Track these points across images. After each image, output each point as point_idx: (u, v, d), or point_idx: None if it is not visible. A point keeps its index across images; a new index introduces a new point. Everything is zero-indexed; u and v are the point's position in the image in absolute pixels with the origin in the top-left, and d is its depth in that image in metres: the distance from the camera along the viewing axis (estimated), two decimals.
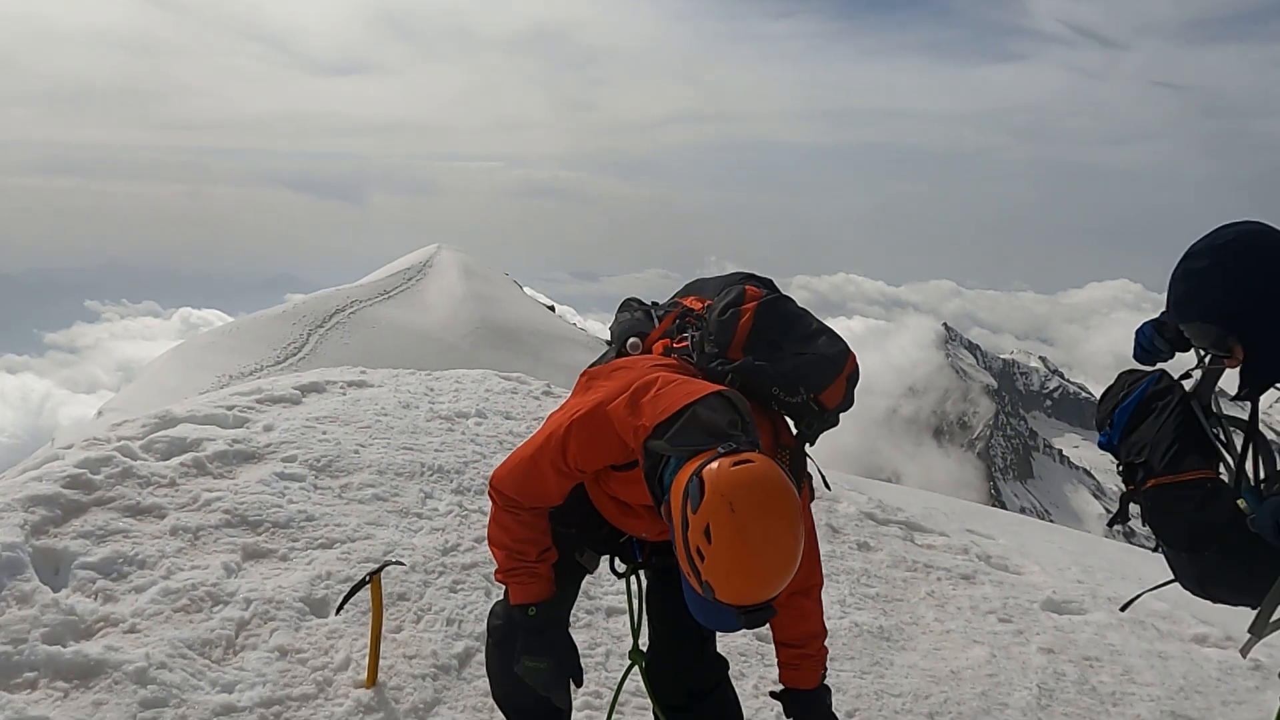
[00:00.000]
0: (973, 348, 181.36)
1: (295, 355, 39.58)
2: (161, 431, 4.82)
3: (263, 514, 4.23)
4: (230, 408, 5.42)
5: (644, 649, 2.74)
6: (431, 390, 6.82)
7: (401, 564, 4.03)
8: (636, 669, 2.68)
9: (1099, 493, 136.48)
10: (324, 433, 5.33)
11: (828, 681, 2.57)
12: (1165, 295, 2.35)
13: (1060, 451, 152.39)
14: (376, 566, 3.46)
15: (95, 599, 3.44)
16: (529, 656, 2.43)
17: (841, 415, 2.51)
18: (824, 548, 5.59)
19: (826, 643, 2.55)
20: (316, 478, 4.78)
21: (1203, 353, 2.43)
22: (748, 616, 1.91)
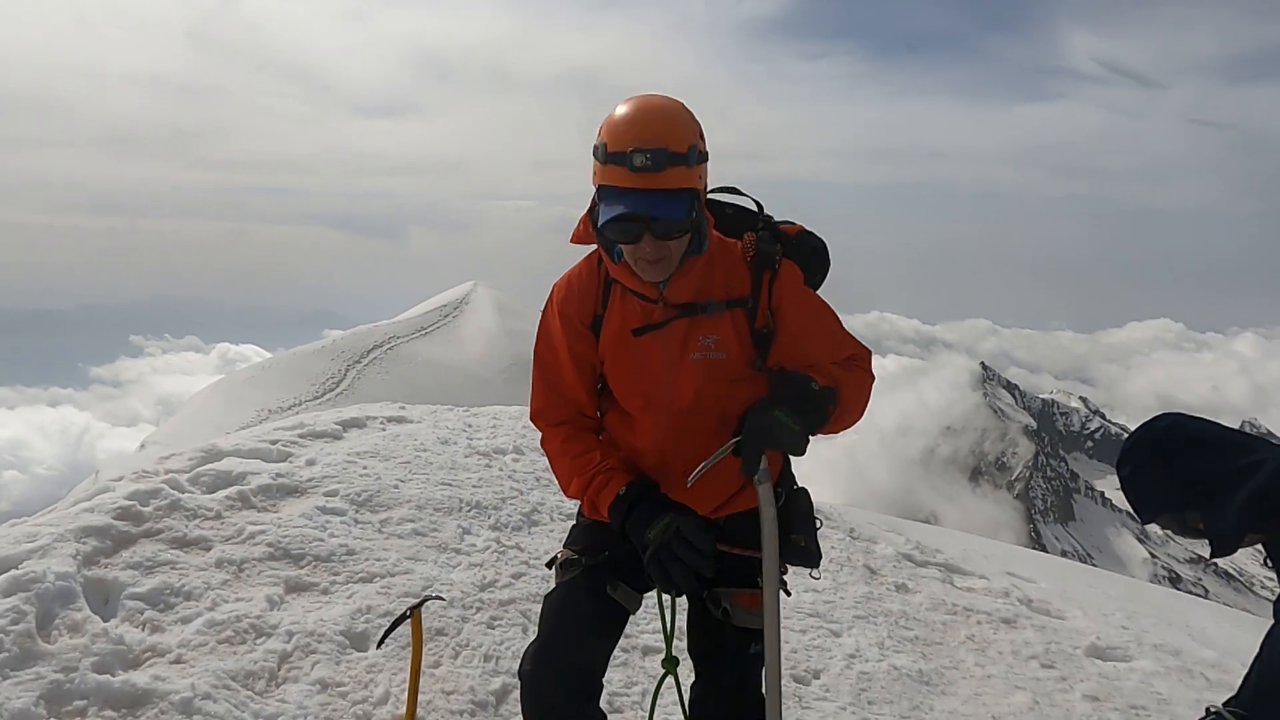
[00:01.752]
0: (1011, 387, 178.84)
1: (333, 390, 40.11)
2: (208, 465, 4.93)
3: (305, 547, 4.30)
4: (274, 442, 5.53)
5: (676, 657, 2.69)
6: (469, 426, 6.90)
7: (441, 599, 4.06)
8: (670, 677, 2.65)
9: (1143, 537, 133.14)
10: (365, 468, 5.41)
11: None
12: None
13: (1102, 494, 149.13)
14: (416, 601, 3.49)
15: (143, 629, 3.51)
16: (649, 526, 2.29)
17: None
18: (861, 589, 5.54)
19: (865, 681, 2.50)
20: (357, 512, 4.85)
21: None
22: (632, 163, 2.11)
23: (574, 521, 2.71)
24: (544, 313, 2.60)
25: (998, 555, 7.91)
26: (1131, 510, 2.56)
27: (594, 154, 2.22)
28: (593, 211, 2.35)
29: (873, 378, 2.47)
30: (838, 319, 2.47)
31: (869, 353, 2.49)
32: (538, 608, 4.24)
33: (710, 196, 2.45)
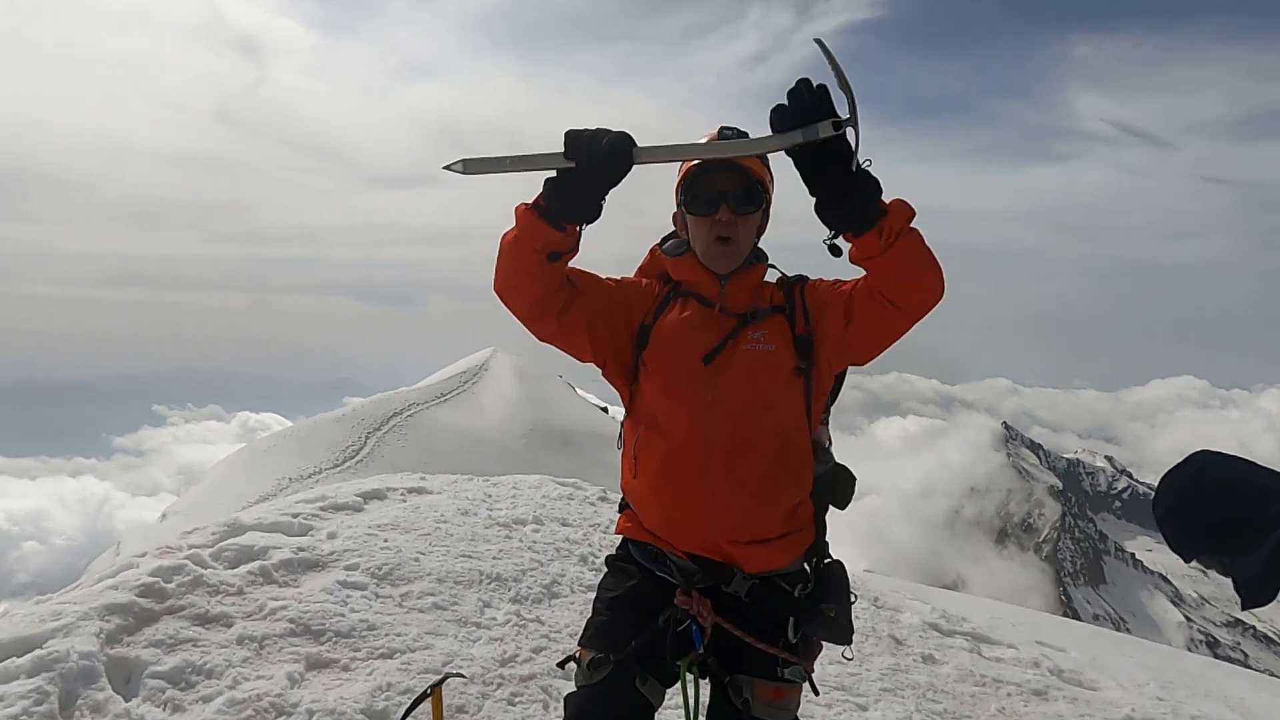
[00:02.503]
0: (1035, 447, 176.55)
1: (353, 458, 40.17)
2: (230, 539, 4.96)
3: (326, 623, 4.29)
4: (296, 515, 5.56)
5: None
6: (489, 497, 6.91)
7: (462, 676, 4.03)
8: None
9: (1177, 599, 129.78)
10: (385, 540, 5.42)
11: None
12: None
13: (1133, 555, 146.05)
14: (437, 679, 3.47)
15: (164, 709, 3.50)
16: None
17: None
18: (887, 660, 5.45)
19: None
20: (378, 586, 4.84)
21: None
22: (719, 137, 2.35)
23: (592, 609, 2.64)
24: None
25: (1026, 623, 7.76)
26: (1169, 547, 2.51)
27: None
28: (664, 243, 2.66)
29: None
30: None
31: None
32: (559, 683, 4.22)
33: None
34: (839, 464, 2.71)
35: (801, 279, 2.57)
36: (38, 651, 3.49)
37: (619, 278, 2.67)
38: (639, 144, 2.16)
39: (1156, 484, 2.51)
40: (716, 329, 2.47)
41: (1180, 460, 2.44)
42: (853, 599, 2.54)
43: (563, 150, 2.16)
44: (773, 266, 2.66)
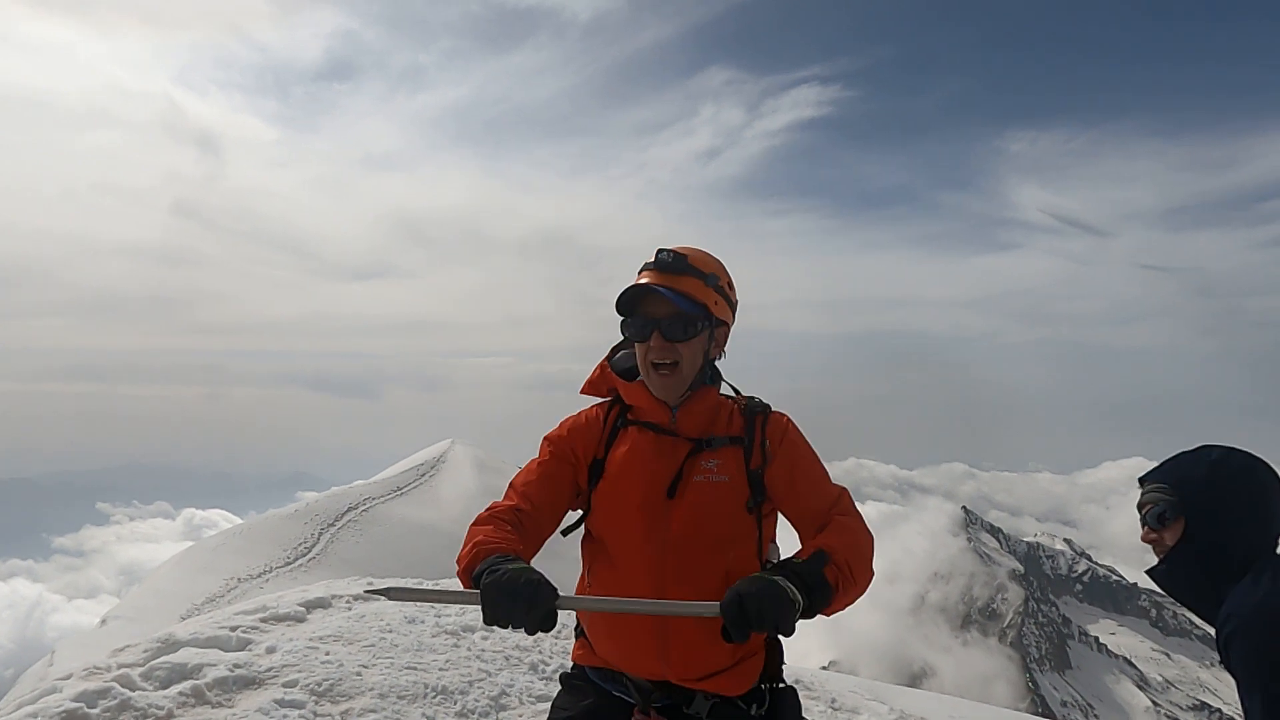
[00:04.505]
0: (995, 531, 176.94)
1: (305, 555, 39.01)
2: (163, 657, 4.77)
3: None
4: (234, 628, 5.37)
5: None
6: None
7: None
8: None
9: (1143, 683, 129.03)
10: (327, 653, 5.24)
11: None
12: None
13: (1097, 639, 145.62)
14: None
15: None
16: (496, 574, 2.13)
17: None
18: None
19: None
20: (317, 703, 4.66)
21: None
22: (654, 260, 2.44)
23: (550, 711, 2.64)
24: (542, 441, 2.68)
25: None
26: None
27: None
28: (610, 358, 2.65)
29: (868, 530, 2.44)
30: (820, 462, 2.57)
31: (849, 495, 2.53)
32: None
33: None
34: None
35: (764, 411, 2.55)
36: None
37: (554, 442, 2.60)
38: (561, 595, 2.12)
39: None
40: (670, 456, 2.48)
41: (1195, 449, 2.56)
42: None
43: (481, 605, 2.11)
44: (728, 389, 2.66)
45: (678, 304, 2.44)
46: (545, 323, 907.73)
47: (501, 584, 2.08)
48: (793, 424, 2.57)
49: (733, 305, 2.56)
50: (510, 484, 2.61)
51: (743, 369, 2.73)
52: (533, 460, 2.64)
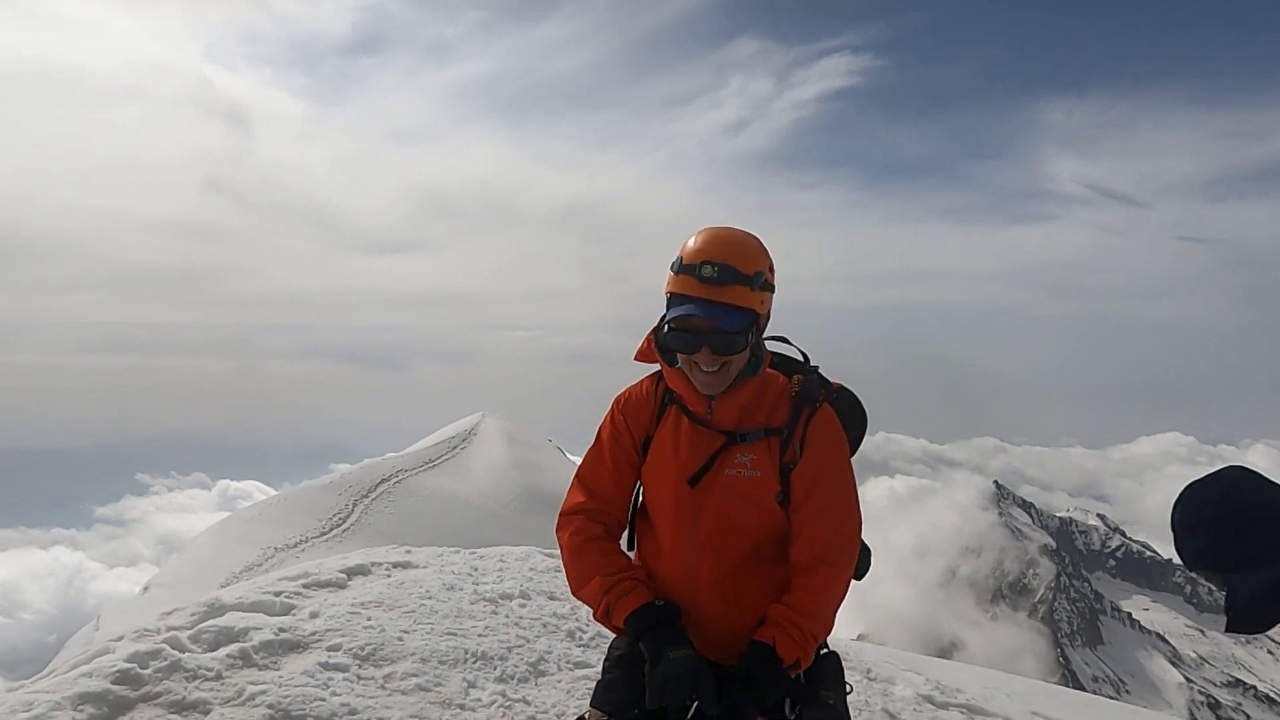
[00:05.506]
0: (1026, 506, 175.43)
1: (340, 526, 39.64)
2: (210, 620, 4.86)
3: (306, 708, 4.19)
4: (278, 594, 5.47)
5: None
6: (475, 570, 6.81)
7: None
8: None
9: (1176, 659, 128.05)
10: (369, 619, 5.32)
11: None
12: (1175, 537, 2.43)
13: (1129, 615, 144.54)
14: None
15: None
16: (672, 647, 2.35)
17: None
18: None
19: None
20: (360, 667, 4.74)
21: None
22: (699, 274, 2.33)
23: (602, 666, 2.75)
24: (601, 423, 2.70)
25: (1021, 693, 7.64)
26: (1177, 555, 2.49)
27: (671, 267, 2.45)
28: (658, 330, 2.55)
29: (842, 583, 2.46)
30: (852, 489, 2.51)
31: (856, 538, 2.50)
32: None
33: (764, 343, 2.60)
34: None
35: (813, 404, 2.48)
36: None
37: (612, 425, 2.66)
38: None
39: (1180, 492, 2.48)
40: (703, 448, 2.49)
41: (1211, 472, 2.44)
42: (848, 689, 2.54)
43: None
44: (787, 356, 2.63)
45: (726, 326, 2.37)
46: (572, 296, 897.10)
47: (670, 678, 2.31)
48: (835, 429, 2.51)
49: (774, 287, 2.50)
50: (576, 476, 2.68)
51: (771, 345, 2.68)
52: (592, 447, 2.70)
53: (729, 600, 2.49)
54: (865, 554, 2.68)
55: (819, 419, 2.47)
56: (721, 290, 2.35)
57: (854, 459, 2.61)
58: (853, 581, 2.61)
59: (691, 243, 2.42)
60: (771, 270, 2.46)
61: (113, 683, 3.97)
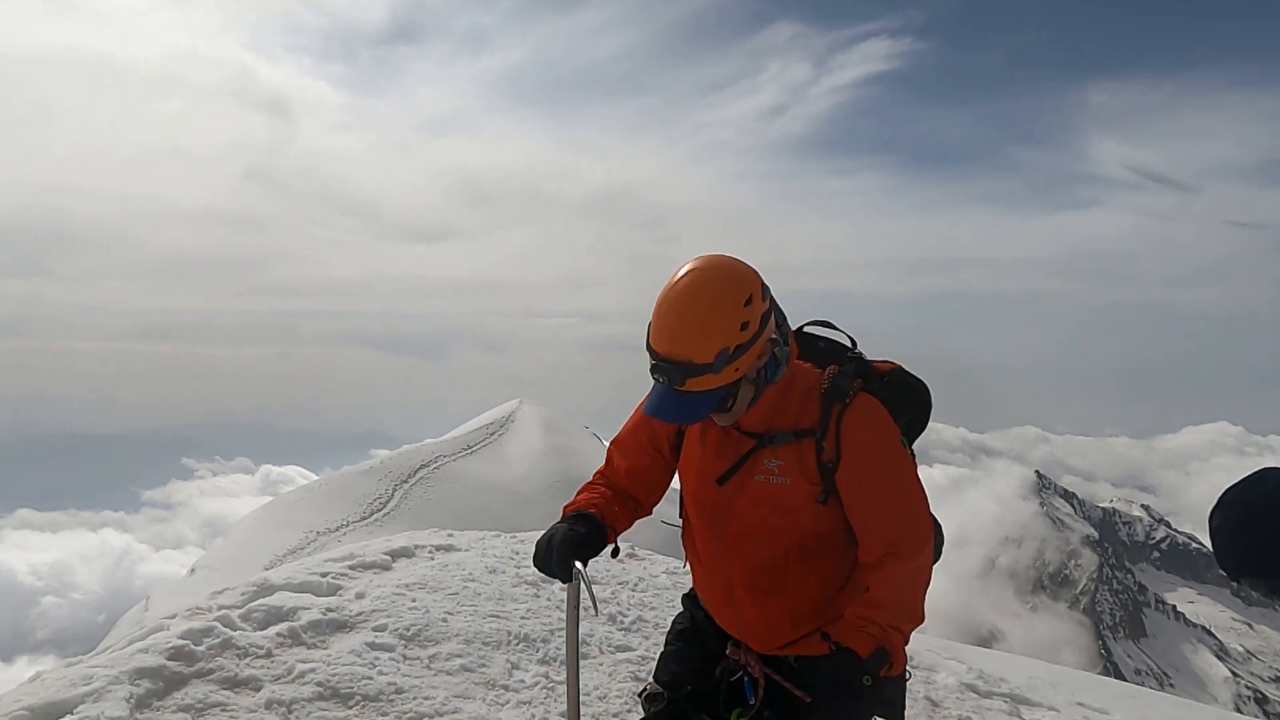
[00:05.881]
0: (1068, 496, 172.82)
1: (380, 511, 40.18)
2: (259, 600, 4.96)
3: (354, 686, 4.26)
4: (324, 574, 5.56)
5: None
6: (517, 554, 6.86)
7: None
8: None
9: (1222, 654, 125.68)
10: (413, 600, 5.39)
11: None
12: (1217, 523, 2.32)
13: (1174, 607, 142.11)
14: None
15: None
16: (564, 530, 2.54)
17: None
18: None
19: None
20: (406, 647, 4.81)
21: None
22: (656, 371, 2.21)
23: (665, 638, 2.81)
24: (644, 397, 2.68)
25: (1066, 683, 7.55)
26: (1218, 564, 2.39)
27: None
28: None
29: (919, 567, 2.35)
30: (907, 476, 2.39)
31: (922, 524, 2.38)
32: None
33: (806, 330, 2.56)
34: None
35: (843, 400, 2.34)
36: (68, 717, 3.49)
37: (640, 425, 2.67)
38: (579, 568, 2.50)
39: (1219, 496, 2.36)
40: (732, 451, 2.43)
41: (1253, 473, 2.33)
42: (908, 675, 2.50)
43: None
44: (833, 340, 2.54)
45: (693, 419, 2.27)
46: (608, 284, 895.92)
47: (539, 541, 2.55)
48: (874, 420, 2.36)
49: (764, 315, 2.25)
50: (615, 446, 2.74)
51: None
52: (628, 419, 2.72)
53: (766, 599, 2.47)
54: (938, 533, 2.59)
55: (852, 415, 2.33)
56: (685, 386, 2.22)
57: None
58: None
59: (656, 316, 2.24)
60: (744, 326, 2.21)
61: (168, 659, 4.07)
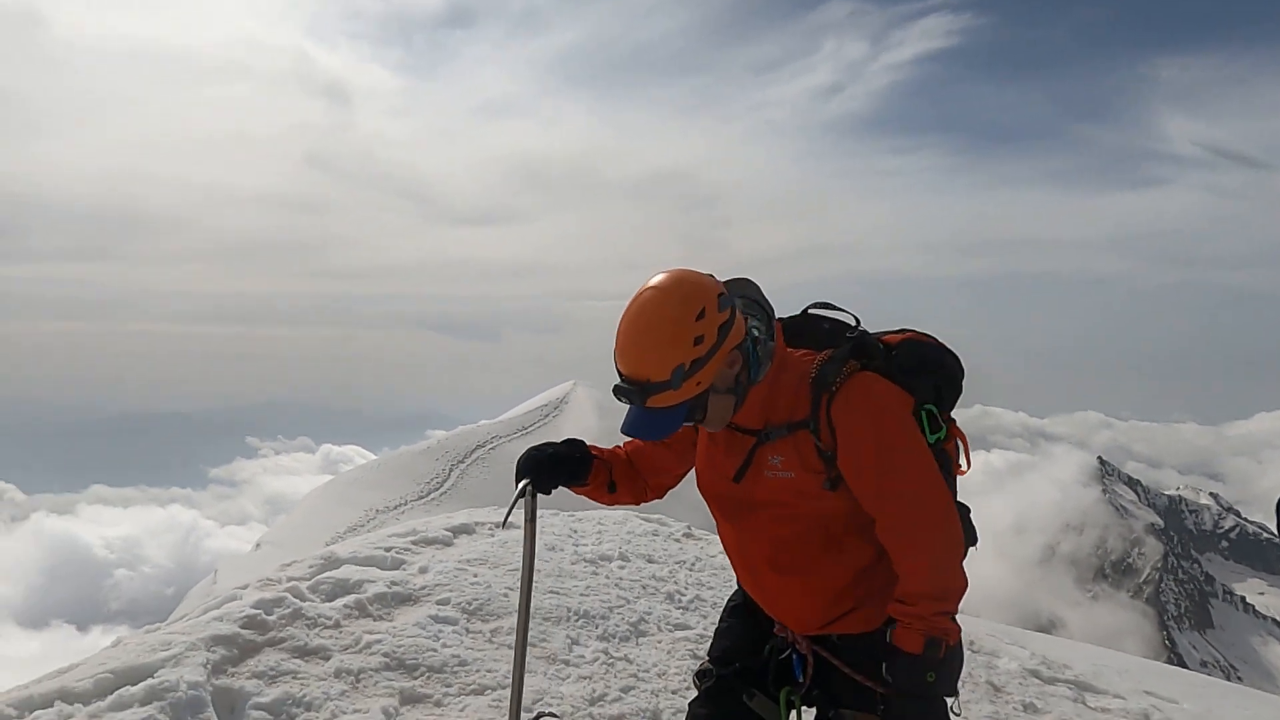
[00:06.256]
0: (1132, 483, 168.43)
1: (437, 490, 40.89)
2: (327, 572, 5.08)
3: (419, 658, 4.35)
4: (388, 549, 5.67)
5: None
6: (575, 532, 6.93)
7: (555, 716, 4.03)
8: None
9: None
10: (475, 575, 5.48)
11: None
12: None
13: (1243, 599, 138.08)
14: (530, 717, 3.48)
15: None
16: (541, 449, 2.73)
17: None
18: (985, 708, 5.24)
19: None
20: (469, 621, 4.90)
21: None
22: (619, 393, 2.25)
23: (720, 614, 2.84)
24: None
25: (1132, 671, 7.38)
26: None
27: None
28: None
29: (941, 545, 2.32)
30: (909, 454, 2.32)
31: (933, 500, 2.33)
32: None
33: (811, 312, 2.51)
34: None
35: (829, 388, 2.30)
36: (149, 681, 3.62)
37: None
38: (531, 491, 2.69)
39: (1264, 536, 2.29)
40: (737, 450, 2.44)
41: None
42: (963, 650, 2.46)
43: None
44: (838, 320, 2.50)
45: (661, 436, 2.30)
46: (661, 265, 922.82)
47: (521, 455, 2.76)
48: (866, 402, 2.30)
49: (723, 327, 2.20)
50: None
51: (864, 313, 2.50)
52: None
53: (790, 578, 2.47)
54: (965, 517, 2.49)
55: (840, 401, 2.29)
56: (649, 405, 2.24)
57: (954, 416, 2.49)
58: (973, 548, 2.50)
59: (616, 337, 2.27)
60: (698, 340, 2.18)
61: (241, 627, 4.20)
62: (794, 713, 2.56)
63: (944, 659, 2.26)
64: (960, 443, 2.51)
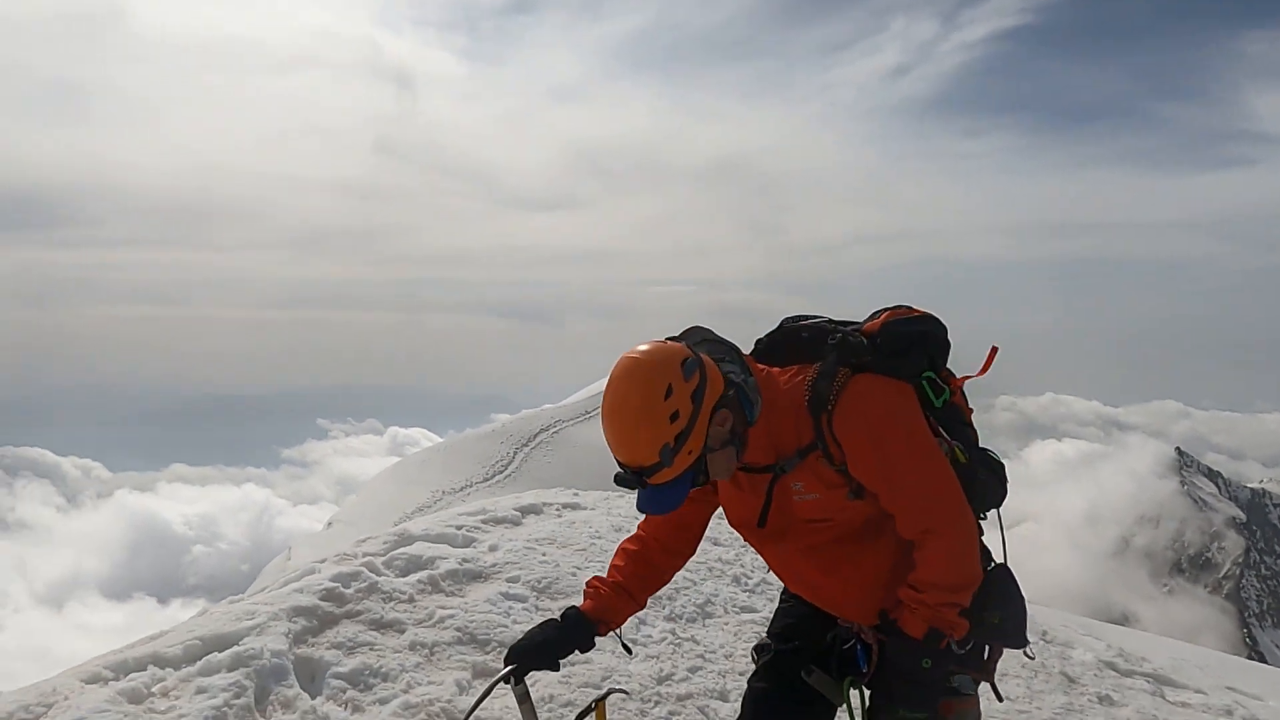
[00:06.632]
0: (1213, 475, 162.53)
1: (502, 473, 41.47)
2: (400, 549, 5.21)
3: (490, 633, 4.44)
4: (459, 527, 5.79)
5: None
6: (640, 515, 6.97)
7: (624, 692, 4.07)
8: None
9: None
10: (543, 554, 5.56)
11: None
12: None
13: None
14: (600, 694, 3.52)
15: (345, 708, 3.71)
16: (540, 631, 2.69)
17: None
18: (1059, 699, 5.15)
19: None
20: (538, 599, 4.97)
21: None
22: (621, 481, 2.25)
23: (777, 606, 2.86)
24: None
25: (1213, 666, 7.17)
26: None
27: None
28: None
29: (958, 535, 2.34)
30: (915, 450, 2.34)
31: (946, 491, 2.35)
32: (715, 703, 4.22)
33: (785, 326, 2.52)
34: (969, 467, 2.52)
35: (826, 407, 2.31)
36: (235, 648, 3.76)
37: None
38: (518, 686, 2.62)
39: None
40: (757, 490, 2.46)
41: None
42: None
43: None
44: (816, 326, 2.48)
45: (667, 509, 2.31)
46: (725, 251, 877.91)
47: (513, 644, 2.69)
48: (863, 409, 2.30)
49: (695, 393, 2.20)
50: None
51: (933, 299, 2.46)
52: None
53: (839, 571, 2.50)
54: (986, 486, 2.51)
55: (839, 415, 2.30)
56: (650, 484, 2.24)
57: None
58: (997, 511, 2.59)
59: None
60: (675, 417, 2.18)
61: (320, 599, 4.33)
62: (855, 693, 2.56)
63: (944, 650, 2.33)
64: (963, 392, 2.59)
